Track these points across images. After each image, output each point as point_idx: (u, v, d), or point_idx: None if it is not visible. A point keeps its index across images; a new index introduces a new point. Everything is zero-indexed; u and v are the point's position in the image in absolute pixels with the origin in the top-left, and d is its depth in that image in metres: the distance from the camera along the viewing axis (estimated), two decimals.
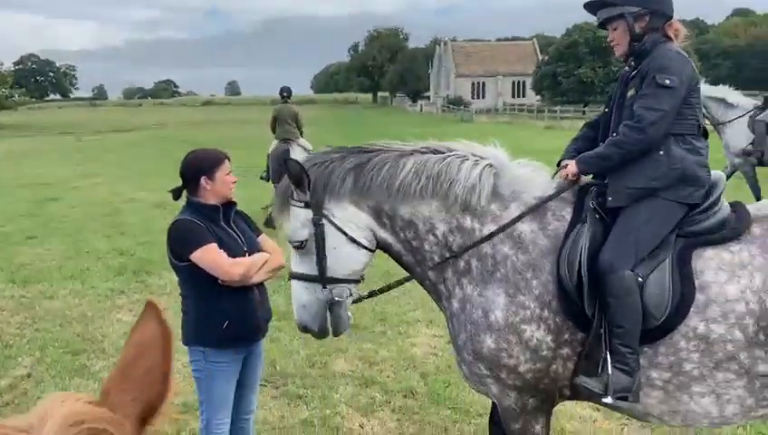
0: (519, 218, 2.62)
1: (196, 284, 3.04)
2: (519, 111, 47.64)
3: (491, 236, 2.61)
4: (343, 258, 2.76)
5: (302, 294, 2.83)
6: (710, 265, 2.48)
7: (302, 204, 2.74)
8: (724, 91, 10.18)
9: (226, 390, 3.09)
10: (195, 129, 37.87)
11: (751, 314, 2.37)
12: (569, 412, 4.26)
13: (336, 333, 2.92)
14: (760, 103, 10.02)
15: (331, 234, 2.73)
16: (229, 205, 3.16)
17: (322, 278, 2.77)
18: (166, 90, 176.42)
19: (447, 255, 2.68)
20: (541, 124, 35.54)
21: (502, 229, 2.61)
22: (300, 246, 2.77)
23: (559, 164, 2.88)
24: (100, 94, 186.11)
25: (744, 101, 10.06)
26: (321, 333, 2.91)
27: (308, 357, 5.27)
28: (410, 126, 28.80)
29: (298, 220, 2.76)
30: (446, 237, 2.68)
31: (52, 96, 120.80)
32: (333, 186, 2.71)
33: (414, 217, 2.70)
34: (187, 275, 3.06)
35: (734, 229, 2.54)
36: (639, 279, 2.46)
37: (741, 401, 2.45)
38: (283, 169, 2.81)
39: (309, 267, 2.79)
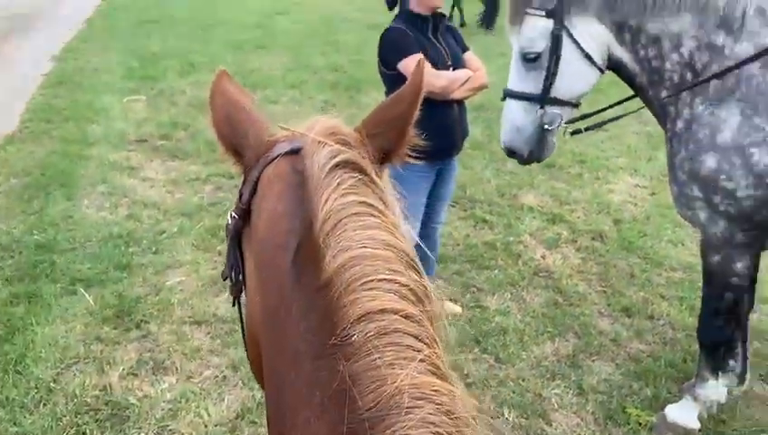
0: None
1: None
2: None
3: (750, 59, 2.29)
4: (573, 77, 2.63)
5: (517, 116, 2.75)
6: None
7: (544, 12, 2.58)
8: None
9: (418, 198, 3.26)
10: None
11: None
12: None
13: (541, 159, 2.87)
14: None
15: (566, 48, 2.58)
16: (440, 17, 3.14)
17: (545, 97, 2.66)
18: None
19: (689, 75, 2.44)
20: None
21: (765, 52, 2.28)
22: (534, 59, 2.64)
23: None
24: None
25: None
26: (529, 159, 2.85)
27: (498, 187, 5.31)
28: None
29: (536, 30, 2.61)
30: (691, 56, 2.42)
31: None
32: None
33: (662, 33, 2.44)
34: (392, 84, 3.14)
35: None
36: None
37: None
38: None
39: (533, 86, 2.68)
